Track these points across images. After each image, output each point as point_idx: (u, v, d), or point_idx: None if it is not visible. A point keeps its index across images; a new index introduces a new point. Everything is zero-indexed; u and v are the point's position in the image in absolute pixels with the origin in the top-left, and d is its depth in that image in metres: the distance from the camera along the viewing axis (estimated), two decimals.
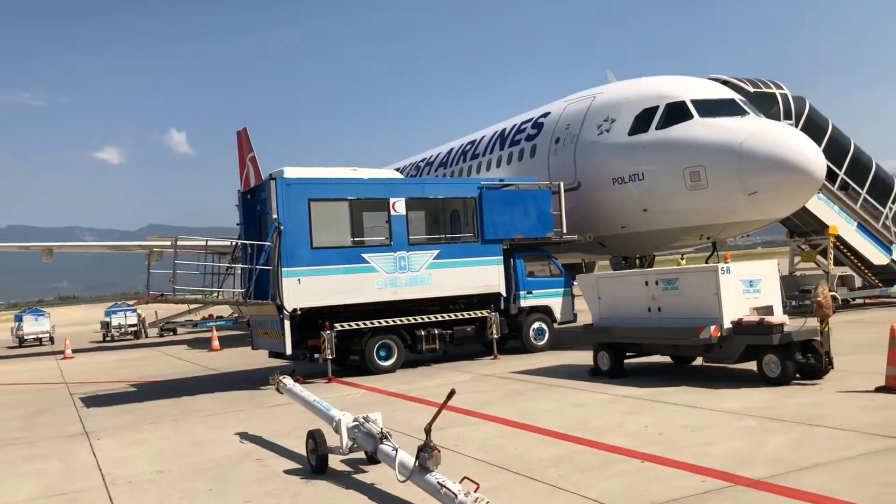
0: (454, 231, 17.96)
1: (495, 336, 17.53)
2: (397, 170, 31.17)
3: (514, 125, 23.23)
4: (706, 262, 18.79)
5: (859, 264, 23.69)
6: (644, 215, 18.46)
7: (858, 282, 24.35)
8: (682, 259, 52.37)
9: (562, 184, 19.07)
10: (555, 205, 18.91)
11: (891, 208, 23.80)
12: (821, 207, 22.69)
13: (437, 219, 18.06)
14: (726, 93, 18.51)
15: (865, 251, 23.30)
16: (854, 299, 24.56)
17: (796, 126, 22.12)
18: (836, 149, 23.14)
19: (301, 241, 15.67)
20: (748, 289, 12.24)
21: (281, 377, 10.46)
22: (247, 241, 16.29)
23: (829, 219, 22.78)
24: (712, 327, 11.91)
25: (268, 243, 15.18)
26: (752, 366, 12.01)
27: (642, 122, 18.30)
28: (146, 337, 39.03)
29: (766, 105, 22.47)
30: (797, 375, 11.59)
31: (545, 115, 21.85)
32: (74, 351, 30.22)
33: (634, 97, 18.93)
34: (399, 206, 16.77)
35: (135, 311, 38.77)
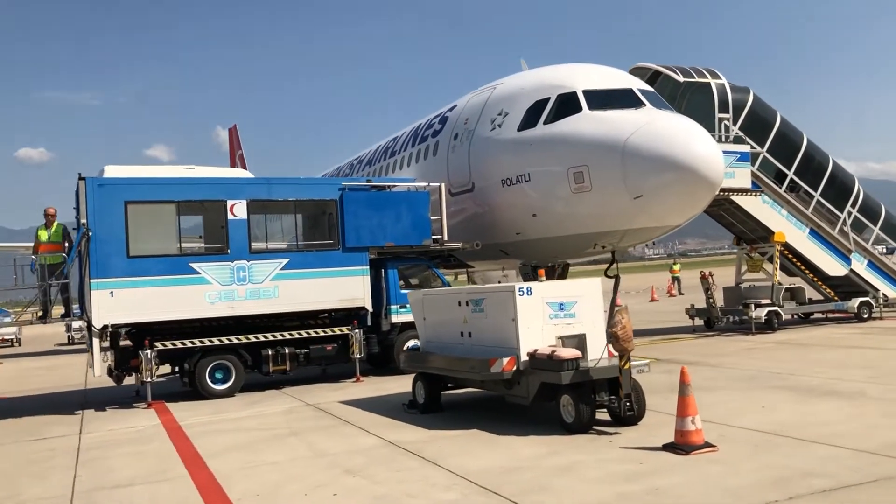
0: (312, 238, 16.07)
1: (357, 356, 15.64)
2: (338, 169, 29.48)
3: (428, 120, 21.27)
4: (605, 275, 16.70)
5: (811, 275, 21.21)
6: (534, 221, 16.35)
7: (812, 294, 21.91)
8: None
9: (442, 185, 17.10)
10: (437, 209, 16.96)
11: (850, 212, 21.25)
12: (765, 211, 20.33)
13: (288, 224, 16.18)
14: (626, 82, 16.14)
15: (818, 260, 20.81)
16: (812, 314, 22.09)
17: (735, 121, 19.90)
18: (785, 145, 20.80)
19: (115, 248, 13.95)
20: (557, 313, 10.15)
21: None
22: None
23: (776, 224, 20.38)
24: (505, 360, 9.87)
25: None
26: None
27: (532, 115, 16.16)
28: None
29: (700, 96, 20.28)
30: (611, 420, 9.58)
31: (452, 108, 19.85)
32: (23, 356, 29.35)
33: (530, 88, 16.79)
34: (238, 209, 14.94)
35: None
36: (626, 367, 9.23)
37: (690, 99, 20.92)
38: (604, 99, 15.55)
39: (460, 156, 17.99)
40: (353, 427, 10.79)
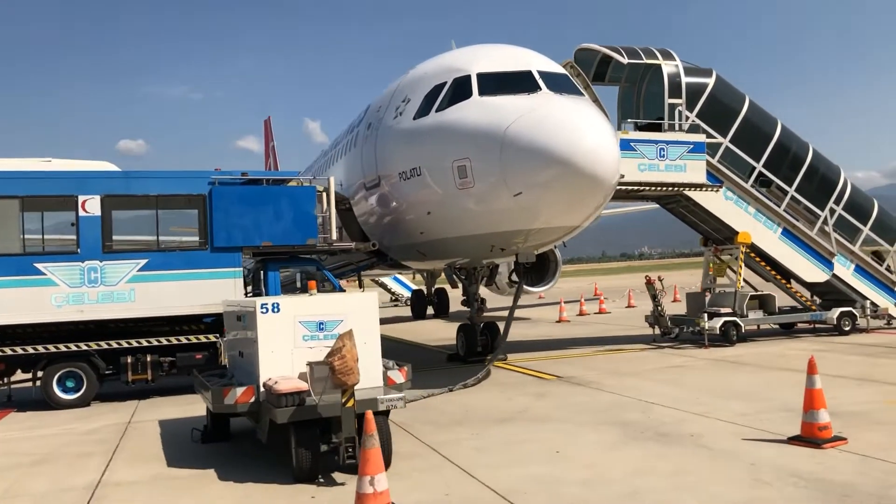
0: (177, 236, 14.84)
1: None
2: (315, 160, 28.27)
3: (361, 111, 19.75)
4: (509, 279, 14.94)
5: (784, 281, 18.78)
6: (430, 219, 14.68)
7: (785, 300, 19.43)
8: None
9: (331, 179, 15.57)
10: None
11: (832, 210, 18.68)
12: (728, 208, 18.07)
13: (148, 222, 14.90)
14: (526, 64, 14.05)
15: (793, 265, 18.39)
16: (794, 325, 19.64)
17: (691, 108, 17.65)
18: (754, 135, 18.40)
19: None
20: (315, 334, 8.56)
21: None
22: None
23: (740, 223, 18.08)
24: (240, 390, 8.38)
25: None
26: None
27: (428, 102, 14.41)
28: None
29: (651, 80, 18.18)
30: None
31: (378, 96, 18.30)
32: None
33: (432, 72, 15.07)
34: (91, 205, 13.81)
35: None
36: (350, 404, 7.58)
37: (650, 82, 18.85)
38: (497, 83, 13.69)
39: (370, 147, 16.47)
40: (101, 459, 9.44)
